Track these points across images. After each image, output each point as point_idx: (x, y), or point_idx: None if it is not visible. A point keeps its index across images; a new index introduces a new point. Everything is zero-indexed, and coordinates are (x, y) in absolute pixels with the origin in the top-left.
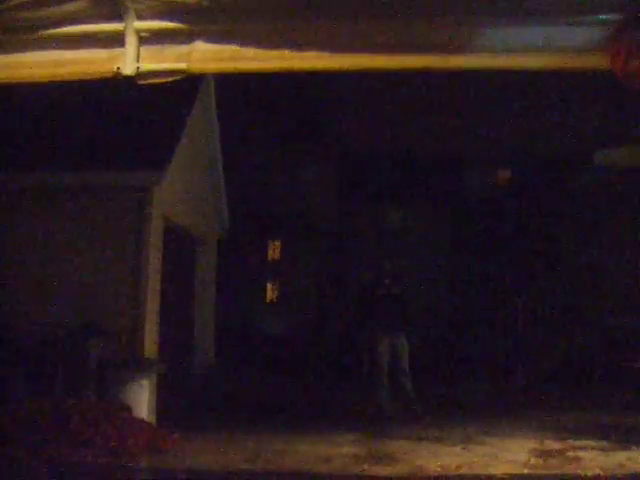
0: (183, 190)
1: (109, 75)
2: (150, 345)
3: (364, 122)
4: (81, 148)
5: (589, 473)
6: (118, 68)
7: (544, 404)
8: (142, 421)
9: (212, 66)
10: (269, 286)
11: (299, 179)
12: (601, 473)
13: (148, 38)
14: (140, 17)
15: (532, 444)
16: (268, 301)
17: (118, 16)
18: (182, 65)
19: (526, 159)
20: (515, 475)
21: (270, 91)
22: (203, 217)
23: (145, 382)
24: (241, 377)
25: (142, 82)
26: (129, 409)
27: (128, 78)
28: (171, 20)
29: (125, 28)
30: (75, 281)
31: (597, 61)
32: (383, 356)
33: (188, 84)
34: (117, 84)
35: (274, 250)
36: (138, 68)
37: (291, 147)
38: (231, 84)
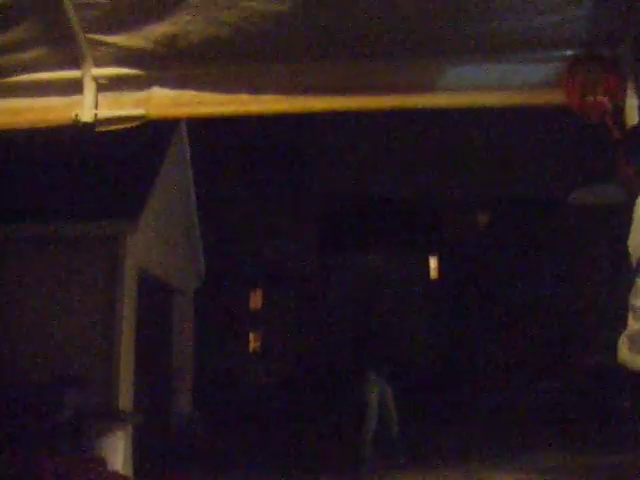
0: (157, 239)
1: (67, 122)
2: (125, 396)
3: (342, 169)
4: (52, 197)
5: None
6: (76, 115)
7: (527, 444)
8: (116, 473)
9: (170, 112)
10: (252, 336)
11: (278, 227)
12: None
13: (106, 85)
14: (98, 64)
15: None
16: (251, 351)
17: (76, 63)
18: (140, 111)
19: (504, 201)
20: None
21: (248, 138)
22: (178, 266)
23: (120, 433)
24: (221, 428)
25: (101, 129)
26: (104, 462)
27: (86, 125)
28: (128, 67)
29: (83, 75)
30: (48, 331)
31: (553, 97)
32: (375, 404)
33: (161, 130)
34: (90, 132)
35: (255, 299)
36: (96, 115)
37: (269, 194)
38: (207, 129)
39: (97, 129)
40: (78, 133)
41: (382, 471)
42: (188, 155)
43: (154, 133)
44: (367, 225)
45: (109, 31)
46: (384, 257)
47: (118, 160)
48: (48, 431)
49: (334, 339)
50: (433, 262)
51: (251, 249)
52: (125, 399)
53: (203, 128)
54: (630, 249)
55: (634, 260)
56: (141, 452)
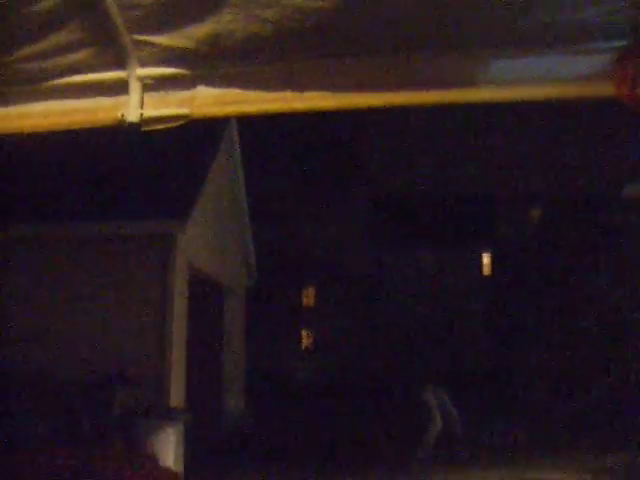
0: (208, 238)
1: (113, 123)
2: (177, 393)
3: (394, 165)
4: (103, 197)
5: None
6: (122, 115)
7: (579, 445)
8: (168, 470)
9: (215, 110)
10: (304, 333)
11: (330, 223)
12: None
13: (151, 85)
14: (143, 64)
15: None
16: (304, 348)
17: (121, 64)
18: (185, 110)
19: (556, 196)
20: None
21: (298, 135)
22: (230, 264)
23: (171, 430)
24: (272, 426)
25: (146, 128)
26: (155, 458)
27: (132, 125)
28: (173, 66)
29: (128, 76)
30: (101, 329)
31: (602, 89)
32: (436, 406)
33: (212, 128)
34: (136, 132)
35: (308, 297)
36: (142, 115)
37: (320, 191)
38: (257, 128)
39: (143, 128)
40: (129, 133)
41: (444, 468)
42: (239, 153)
43: (205, 131)
44: (419, 222)
45: (153, 31)
46: (436, 254)
47: (169, 159)
48: (101, 428)
49: (387, 337)
50: (486, 258)
51: (304, 247)
52: (176, 397)
53: (254, 126)
54: None
55: None
56: (193, 449)
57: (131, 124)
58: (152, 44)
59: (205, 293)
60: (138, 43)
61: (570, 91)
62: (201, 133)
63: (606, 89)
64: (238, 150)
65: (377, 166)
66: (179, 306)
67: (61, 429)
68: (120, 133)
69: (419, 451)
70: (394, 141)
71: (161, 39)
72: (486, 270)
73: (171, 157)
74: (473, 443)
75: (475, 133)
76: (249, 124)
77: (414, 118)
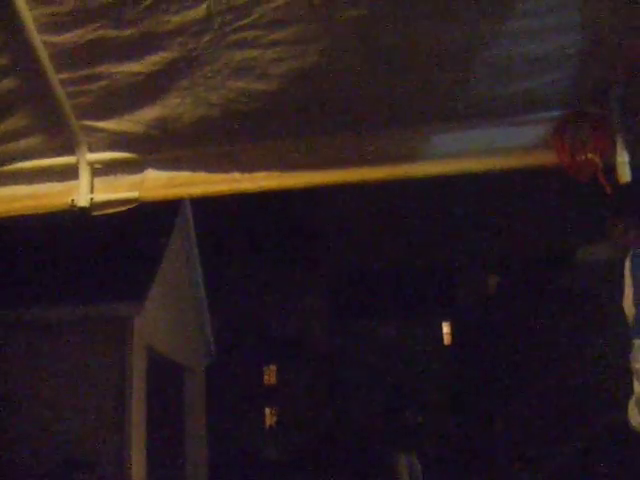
0: (166, 318)
1: (64, 208)
2: (138, 477)
3: (351, 239)
4: (59, 282)
5: None
6: (72, 200)
7: None
8: None
9: (164, 193)
10: (267, 411)
11: (289, 300)
12: None
13: (101, 169)
14: (92, 149)
15: None
16: (267, 426)
17: (71, 149)
18: (134, 194)
19: (512, 262)
20: None
21: (255, 212)
22: (188, 344)
23: None
24: None
25: (96, 213)
26: None
27: (83, 210)
28: (122, 151)
29: (78, 161)
30: (58, 415)
31: (544, 158)
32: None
33: (165, 211)
34: (86, 217)
35: (269, 374)
36: (92, 199)
37: (279, 268)
38: (212, 206)
39: (93, 213)
40: (83, 218)
41: None
42: (194, 232)
43: (158, 213)
44: (378, 295)
45: (101, 117)
46: (397, 326)
47: (123, 243)
48: None
49: (351, 410)
50: (446, 327)
51: (263, 325)
52: None
53: (209, 204)
54: (625, 309)
55: (630, 320)
56: None
57: (82, 209)
58: (100, 129)
59: (164, 373)
60: (87, 129)
61: (513, 161)
62: (155, 215)
63: (548, 158)
64: (193, 229)
65: (334, 242)
66: (138, 388)
67: None
68: (73, 218)
69: None
70: (351, 215)
71: (109, 124)
72: (446, 339)
73: (126, 240)
74: None
75: (430, 205)
76: (204, 203)
77: (370, 192)
